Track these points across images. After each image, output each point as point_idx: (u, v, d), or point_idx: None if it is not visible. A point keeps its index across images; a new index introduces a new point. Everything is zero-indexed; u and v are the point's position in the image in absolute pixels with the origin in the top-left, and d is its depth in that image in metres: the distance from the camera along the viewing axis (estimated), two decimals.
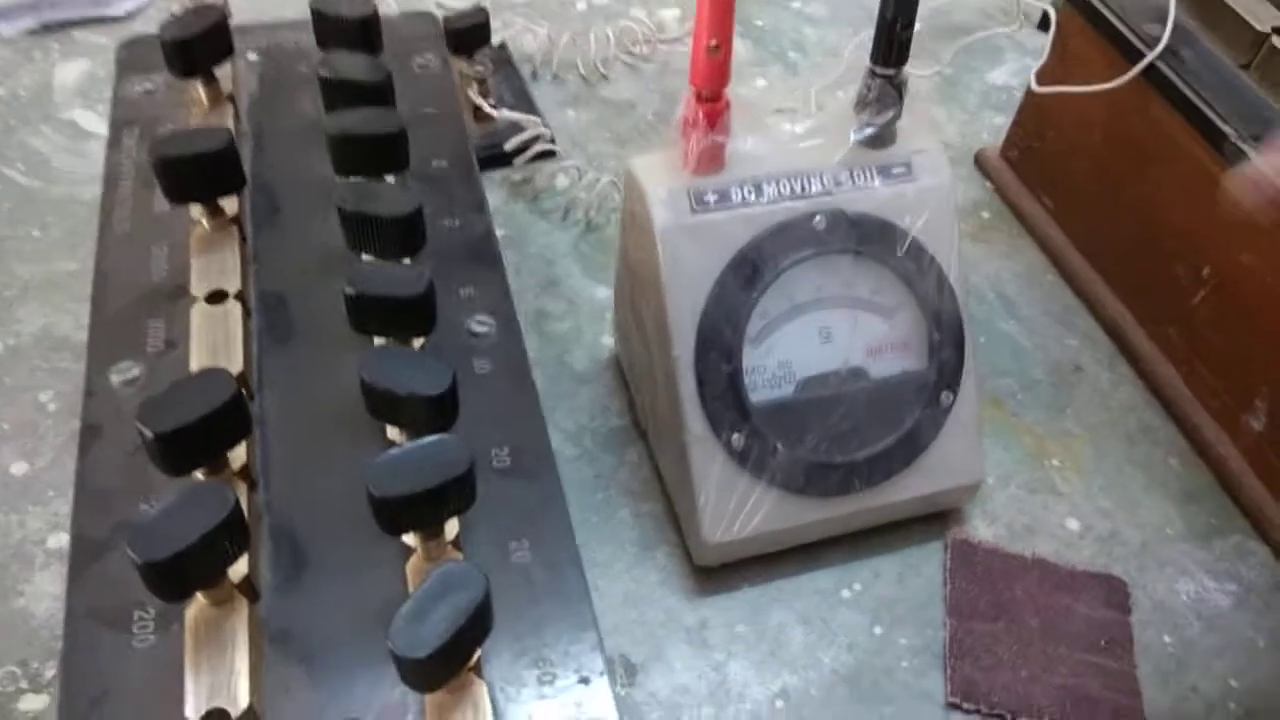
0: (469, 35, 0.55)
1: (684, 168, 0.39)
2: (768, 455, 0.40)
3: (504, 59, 0.64)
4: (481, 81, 0.57)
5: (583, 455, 0.47)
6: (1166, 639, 0.43)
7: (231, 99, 0.43)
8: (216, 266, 0.37)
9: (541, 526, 0.32)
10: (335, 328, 0.35)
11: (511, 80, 0.63)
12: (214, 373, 0.30)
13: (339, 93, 0.38)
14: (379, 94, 0.38)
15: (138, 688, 0.28)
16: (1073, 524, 0.46)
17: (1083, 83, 0.51)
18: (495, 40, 0.59)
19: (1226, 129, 0.45)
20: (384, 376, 0.30)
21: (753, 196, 0.40)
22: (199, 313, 0.35)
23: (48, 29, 0.64)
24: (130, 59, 0.45)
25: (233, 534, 0.27)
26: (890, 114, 0.40)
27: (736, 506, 0.41)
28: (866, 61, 0.40)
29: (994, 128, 0.65)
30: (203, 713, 0.27)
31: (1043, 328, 0.54)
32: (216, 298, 0.36)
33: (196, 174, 0.36)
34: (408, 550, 0.30)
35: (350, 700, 0.28)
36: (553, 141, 0.58)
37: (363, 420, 0.32)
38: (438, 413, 0.30)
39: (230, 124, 0.42)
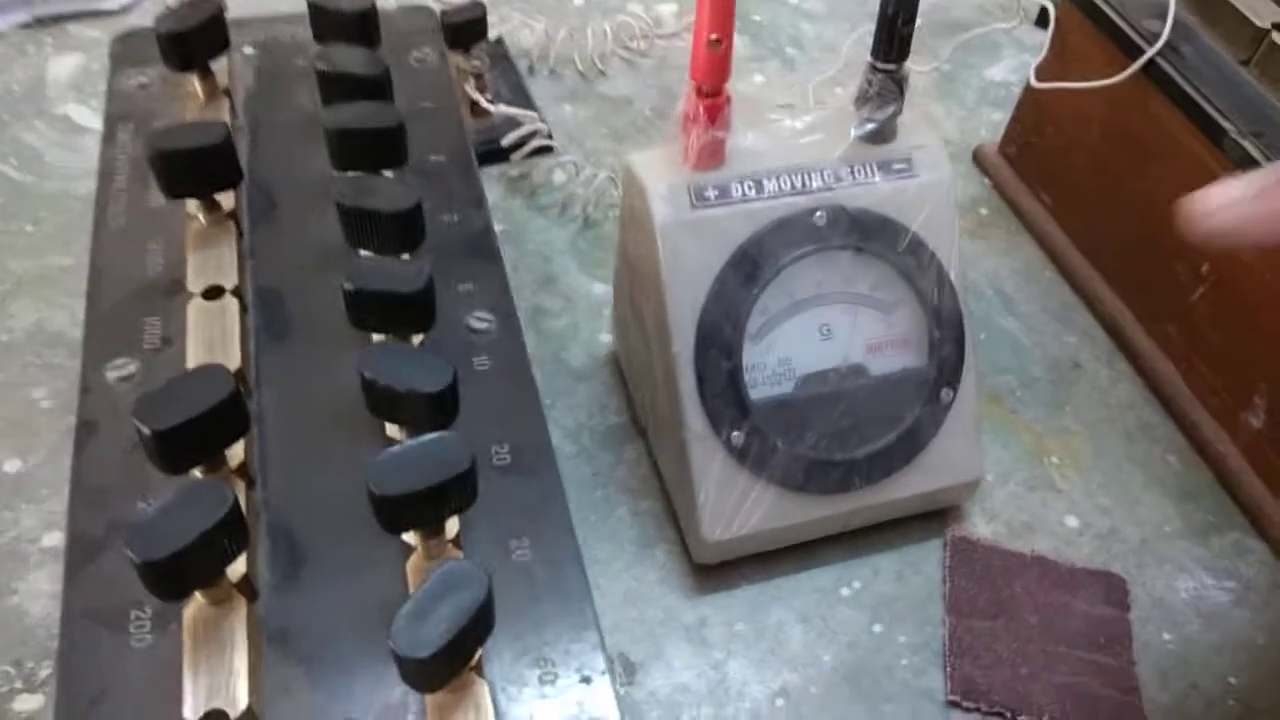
0: (466, 30, 0.55)
1: (684, 163, 0.39)
2: (767, 453, 0.40)
3: (501, 54, 0.64)
4: (478, 76, 0.57)
5: (581, 453, 0.46)
6: (1166, 636, 0.43)
7: (227, 93, 0.43)
8: (213, 262, 0.36)
9: (542, 524, 0.32)
10: (333, 324, 0.35)
11: (508, 75, 0.63)
12: (212, 369, 0.30)
13: (337, 87, 0.38)
14: (377, 88, 0.38)
15: (135, 688, 0.27)
16: (1072, 521, 0.46)
17: (1082, 79, 0.51)
18: (492, 35, 0.58)
19: (1226, 125, 0.45)
20: (384, 373, 0.30)
21: (753, 192, 0.39)
22: (195, 309, 0.35)
23: (40, 22, 0.64)
24: (125, 52, 0.44)
25: (232, 533, 0.27)
26: (891, 109, 0.40)
27: (736, 504, 0.40)
28: (865, 57, 0.39)
29: (992, 124, 0.65)
30: (201, 713, 0.26)
31: (1041, 325, 0.54)
32: (213, 293, 0.35)
33: (193, 168, 0.35)
34: (408, 549, 0.30)
35: (350, 701, 0.27)
36: (550, 137, 0.58)
37: (362, 417, 0.32)
38: (438, 410, 0.30)
39: (226, 118, 0.42)
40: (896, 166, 0.41)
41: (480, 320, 0.36)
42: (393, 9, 0.47)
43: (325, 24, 0.41)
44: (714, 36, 0.36)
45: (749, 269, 0.39)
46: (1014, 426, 0.50)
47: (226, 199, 0.38)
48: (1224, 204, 0.29)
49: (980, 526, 0.46)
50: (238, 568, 0.29)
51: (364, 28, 0.41)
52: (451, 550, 0.30)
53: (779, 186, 0.40)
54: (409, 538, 0.30)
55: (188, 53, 0.40)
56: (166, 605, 0.28)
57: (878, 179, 0.40)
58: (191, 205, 0.38)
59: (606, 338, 0.51)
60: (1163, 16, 0.49)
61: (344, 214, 0.34)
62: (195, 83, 0.42)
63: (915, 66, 0.39)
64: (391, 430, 0.33)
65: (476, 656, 0.28)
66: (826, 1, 0.72)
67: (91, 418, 0.33)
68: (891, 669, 0.41)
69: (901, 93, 0.40)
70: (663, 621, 0.41)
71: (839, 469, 0.41)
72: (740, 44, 0.67)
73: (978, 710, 0.40)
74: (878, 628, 0.42)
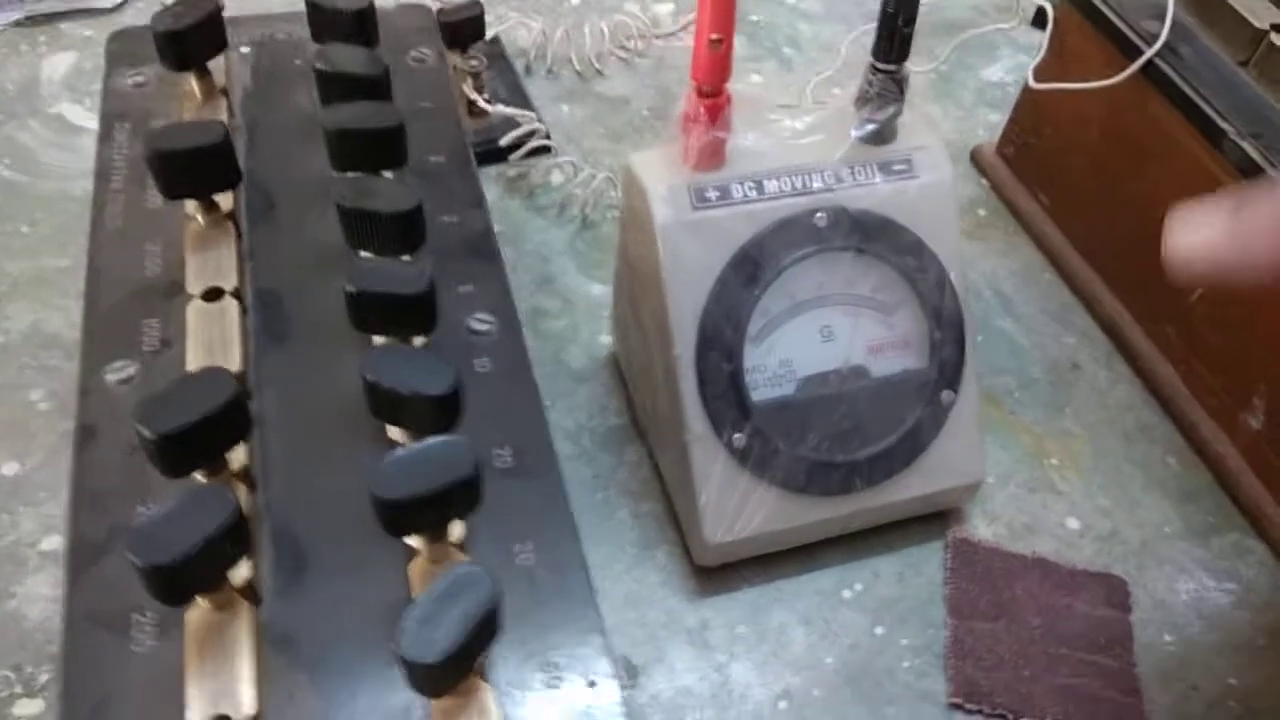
0: (463, 29, 0.55)
1: (684, 164, 0.39)
2: (769, 454, 0.40)
3: (497, 53, 0.64)
4: (475, 76, 0.57)
5: (581, 455, 0.46)
6: (1167, 638, 0.43)
7: (224, 92, 0.43)
8: (212, 263, 0.36)
9: (545, 528, 0.31)
10: (334, 326, 0.34)
11: (505, 75, 0.62)
12: (214, 372, 0.30)
13: (336, 86, 0.37)
14: (376, 88, 0.38)
15: (138, 694, 0.27)
16: (1072, 523, 0.46)
17: (1080, 79, 0.51)
18: (488, 34, 0.58)
19: (1225, 126, 0.45)
20: (387, 376, 0.30)
21: (754, 193, 0.39)
22: (195, 310, 0.35)
23: (34, 21, 0.63)
24: (120, 51, 0.44)
25: (235, 537, 0.26)
26: (892, 110, 0.40)
27: (737, 506, 0.40)
28: (863, 57, 0.39)
29: (989, 124, 0.65)
30: None
31: (1040, 326, 0.54)
32: (213, 295, 0.35)
33: (192, 168, 0.35)
34: (411, 552, 0.30)
35: (354, 706, 0.27)
36: (548, 137, 0.58)
37: (363, 420, 0.32)
38: (441, 413, 0.30)
39: (224, 118, 0.41)
40: (897, 167, 0.41)
41: (481, 322, 0.36)
42: (390, 7, 0.47)
43: (323, 23, 0.41)
44: (715, 36, 0.35)
45: (750, 270, 0.39)
46: (1013, 428, 0.50)
47: (224, 199, 0.38)
48: (1198, 254, 0.29)
49: (981, 528, 0.46)
50: (241, 572, 0.29)
51: (362, 27, 0.41)
52: (455, 554, 0.30)
53: (780, 187, 0.39)
54: (412, 541, 0.30)
55: (185, 52, 0.40)
56: (169, 610, 0.28)
57: (878, 180, 0.40)
58: (190, 206, 0.37)
59: (606, 339, 0.51)
60: (1161, 17, 0.49)
61: (344, 215, 0.34)
62: (192, 82, 0.42)
63: (912, 67, 0.39)
64: (393, 433, 0.32)
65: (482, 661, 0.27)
66: (824, 1, 0.72)
67: (91, 421, 0.33)
68: (893, 671, 0.41)
69: (902, 93, 0.40)
70: (664, 624, 0.41)
71: (840, 471, 0.41)
72: (737, 44, 0.66)
73: (980, 712, 0.40)
74: (879, 630, 0.42)
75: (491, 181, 0.57)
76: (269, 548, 0.30)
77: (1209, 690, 0.42)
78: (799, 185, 0.40)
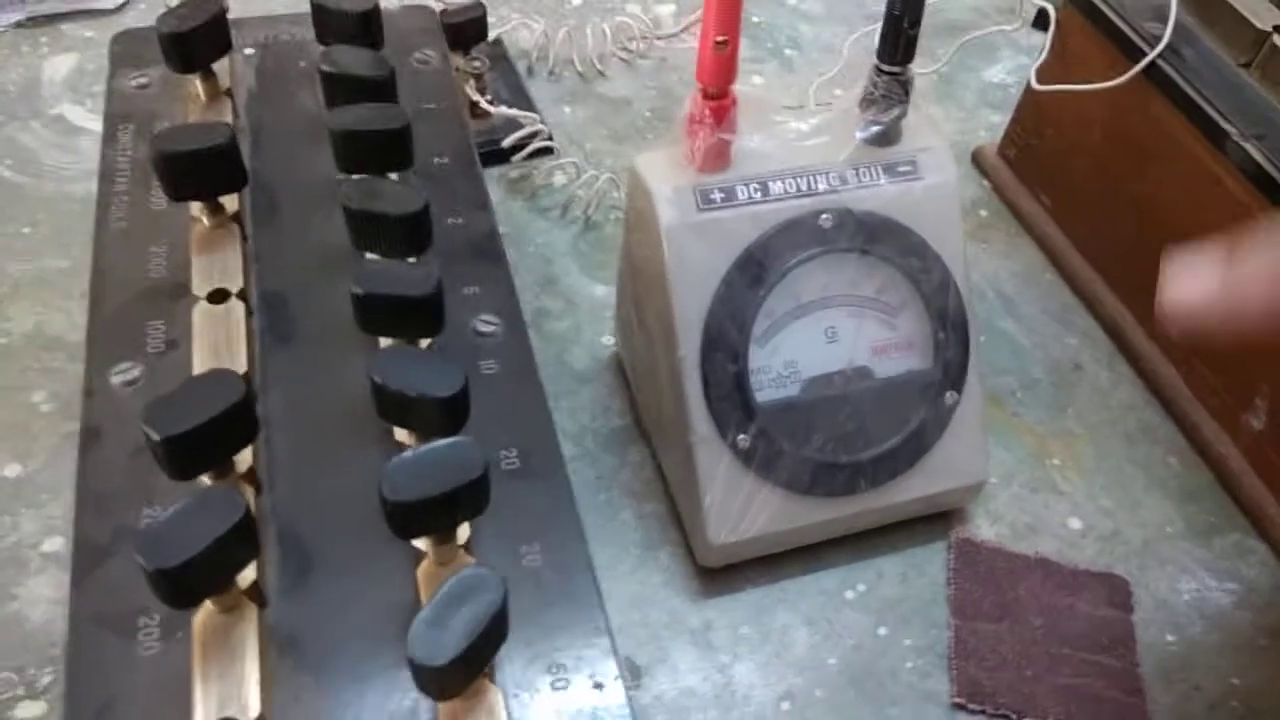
0: (465, 30, 0.55)
1: (689, 165, 0.39)
2: (773, 455, 0.40)
3: (499, 55, 0.64)
4: (478, 77, 0.57)
5: (584, 456, 0.46)
6: (1169, 638, 0.43)
7: (229, 94, 0.42)
8: (218, 265, 0.36)
9: (552, 529, 0.31)
10: (340, 328, 0.34)
11: (507, 76, 0.62)
12: (222, 374, 0.29)
13: (342, 88, 0.37)
14: (382, 89, 0.38)
15: (144, 696, 0.27)
16: (1075, 523, 0.46)
17: (1083, 81, 0.51)
18: (490, 36, 0.58)
19: (1227, 127, 0.45)
20: (395, 377, 0.30)
21: (759, 194, 0.39)
22: (201, 312, 0.35)
23: (35, 22, 0.63)
24: (124, 53, 0.44)
25: (244, 540, 0.26)
26: (896, 112, 0.40)
27: (742, 507, 0.40)
28: (863, 58, 0.39)
29: (991, 126, 0.65)
30: None
31: (1042, 326, 0.54)
32: (218, 297, 0.35)
33: (198, 170, 0.35)
34: (418, 554, 0.30)
35: (362, 707, 0.27)
36: (550, 138, 0.58)
37: (369, 422, 0.32)
38: (450, 415, 0.30)
39: (229, 119, 0.41)
40: (902, 169, 0.41)
41: (486, 323, 0.36)
42: (394, 9, 0.47)
43: (329, 25, 0.41)
44: (721, 38, 0.35)
45: (755, 271, 0.39)
46: (1016, 429, 0.50)
47: (229, 201, 0.38)
48: (1190, 309, 0.30)
49: (984, 529, 0.46)
50: (247, 574, 0.28)
51: (367, 28, 0.40)
52: (462, 556, 0.30)
53: (785, 189, 0.39)
54: (419, 543, 0.30)
55: (190, 53, 0.40)
56: (174, 612, 0.28)
57: (883, 181, 0.40)
58: (195, 207, 0.37)
59: (609, 340, 0.51)
60: (1163, 19, 0.49)
61: (351, 217, 0.34)
62: (197, 84, 0.42)
63: (914, 68, 0.39)
64: (400, 435, 0.32)
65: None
66: (825, 3, 0.72)
67: (96, 423, 0.33)
68: (897, 672, 0.41)
69: (907, 95, 0.40)
70: (668, 625, 0.41)
71: (845, 472, 0.41)
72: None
73: (983, 712, 0.40)
74: (883, 630, 0.42)
75: (494, 183, 0.57)
76: (275, 549, 0.30)
77: (1211, 690, 0.42)
78: (804, 187, 0.40)
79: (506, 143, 0.56)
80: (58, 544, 0.41)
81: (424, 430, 0.31)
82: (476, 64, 0.56)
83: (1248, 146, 0.44)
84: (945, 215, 0.41)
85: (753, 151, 0.39)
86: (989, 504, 0.46)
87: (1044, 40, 0.55)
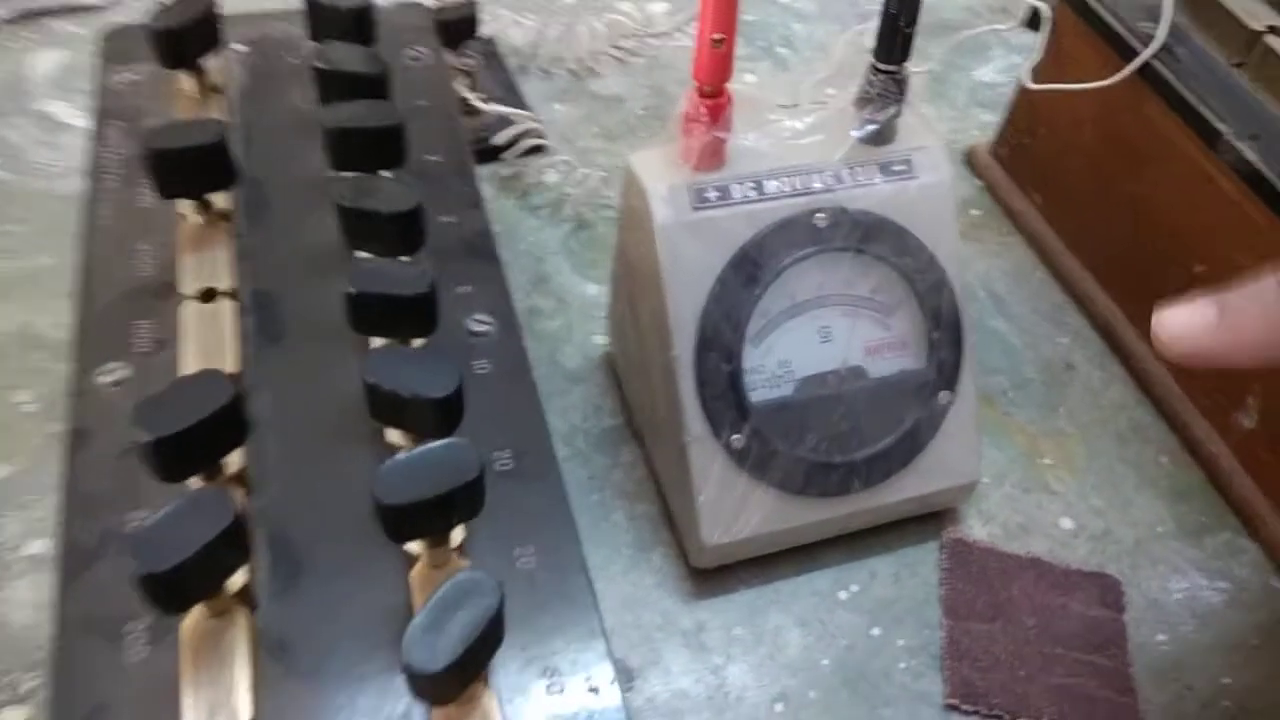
0: (456, 27, 0.54)
1: (684, 164, 0.39)
2: (767, 456, 0.40)
3: (491, 52, 0.63)
4: (469, 75, 0.56)
5: (576, 456, 0.46)
6: (1160, 637, 0.43)
7: (219, 90, 0.42)
8: (208, 264, 0.35)
9: (546, 531, 0.31)
10: (331, 327, 0.34)
11: (499, 74, 0.62)
12: (211, 374, 0.29)
13: (335, 85, 0.37)
14: (376, 86, 0.37)
15: (132, 703, 0.27)
16: (1066, 523, 0.46)
17: (1076, 80, 0.51)
18: (482, 33, 0.58)
19: (1220, 127, 0.45)
20: (388, 378, 0.29)
21: (754, 193, 0.39)
22: (190, 312, 0.34)
23: (22, 17, 0.63)
24: (114, 49, 0.43)
25: (235, 543, 0.26)
26: (892, 111, 0.40)
27: (735, 508, 0.40)
28: (856, 57, 0.39)
29: (983, 125, 0.65)
30: None
31: (1033, 326, 0.54)
32: (208, 296, 0.35)
33: (189, 168, 0.35)
34: (411, 558, 0.29)
35: (354, 713, 0.27)
36: (542, 136, 0.58)
37: (361, 423, 0.31)
38: (443, 416, 0.29)
39: (220, 116, 0.41)
40: (897, 168, 0.41)
41: (480, 323, 0.36)
42: (386, 5, 0.47)
43: (322, 21, 0.40)
44: (717, 36, 0.35)
45: (750, 270, 0.39)
46: (1007, 428, 0.50)
47: (219, 199, 0.38)
48: (1186, 333, 0.30)
49: (976, 528, 0.46)
50: (238, 578, 0.28)
51: (361, 25, 0.40)
52: (456, 559, 0.30)
53: (780, 188, 0.39)
54: (413, 546, 0.29)
55: (180, 49, 0.39)
56: (164, 617, 0.28)
57: (878, 180, 0.40)
58: (184, 205, 0.37)
59: (601, 339, 0.50)
60: (1156, 19, 0.49)
61: (344, 215, 0.34)
62: (187, 80, 0.41)
63: (907, 67, 0.39)
64: (392, 436, 0.32)
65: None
66: (818, 1, 0.72)
67: (82, 424, 0.32)
68: (890, 672, 0.41)
69: (903, 94, 0.39)
70: (660, 626, 0.41)
71: (838, 472, 0.41)
72: None
73: (976, 713, 0.40)
74: (876, 631, 0.42)
75: (485, 181, 0.56)
76: (266, 552, 0.30)
77: (1203, 690, 0.42)
78: (799, 186, 0.39)
79: (498, 140, 0.56)
80: (41, 547, 0.40)
81: (417, 431, 0.31)
82: (468, 61, 0.56)
83: (1240, 146, 0.44)
84: (940, 214, 0.41)
85: (748, 150, 0.39)
86: (981, 504, 0.46)
87: (1036, 40, 0.55)
